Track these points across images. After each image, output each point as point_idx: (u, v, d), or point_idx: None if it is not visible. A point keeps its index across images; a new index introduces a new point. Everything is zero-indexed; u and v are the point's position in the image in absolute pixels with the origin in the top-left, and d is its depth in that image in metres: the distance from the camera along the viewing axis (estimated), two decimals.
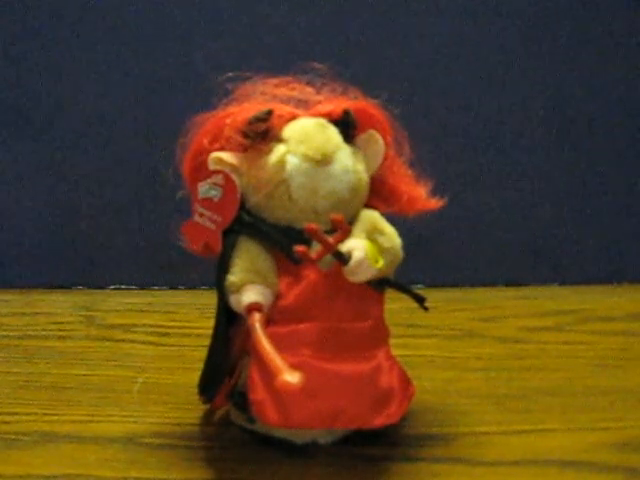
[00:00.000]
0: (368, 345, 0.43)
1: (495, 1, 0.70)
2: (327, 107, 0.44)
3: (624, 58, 0.72)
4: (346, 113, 0.43)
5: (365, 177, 0.44)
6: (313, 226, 0.39)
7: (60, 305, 0.68)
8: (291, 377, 0.36)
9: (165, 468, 0.42)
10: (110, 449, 0.44)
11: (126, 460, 0.43)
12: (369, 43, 0.70)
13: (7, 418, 0.48)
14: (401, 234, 0.43)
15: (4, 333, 0.62)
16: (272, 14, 0.69)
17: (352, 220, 0.43)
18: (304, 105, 0.45)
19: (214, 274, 0.42)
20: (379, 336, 0.44)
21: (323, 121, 0.43)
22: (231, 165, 0.43)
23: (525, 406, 0.50)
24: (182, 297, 0.71)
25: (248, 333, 0.40)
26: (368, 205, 0.45)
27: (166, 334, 0.62)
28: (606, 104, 0.72)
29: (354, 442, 0.43)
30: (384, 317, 0.44)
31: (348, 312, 0.42)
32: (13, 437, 0.45)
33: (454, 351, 0.58)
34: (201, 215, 0.43)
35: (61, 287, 0.72)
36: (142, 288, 0.73)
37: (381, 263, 0.41)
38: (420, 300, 0.45)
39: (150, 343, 0.60)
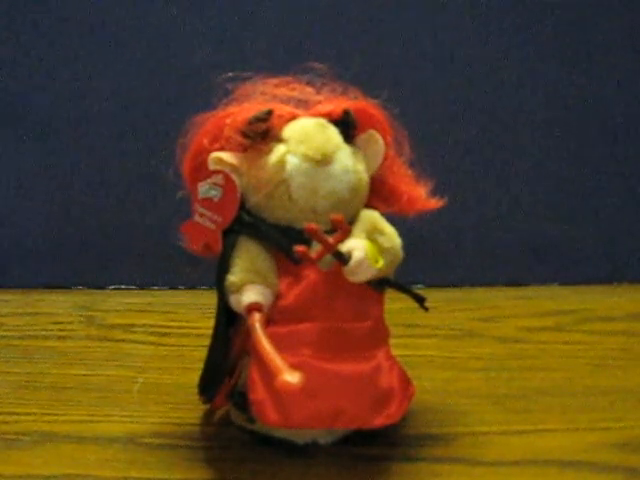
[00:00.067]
0: (368, 345, 0.43)
1: (495, 1, 0.70)
2: (327, 107, 0.44)
3: (624, 58, 0.72)
4: (346, 113, 0.43)
5: (365, 177, 0.44)
6: (313, 226, 0.39)
7: (60, 305, 0.68)
8: (291, 377, 0.36)
9: (165, 468, 0.42)
10: (110, 449, 0.44)
11: (126, 460, 0.43)
12: (369, 43, 0.70)
13: (7, 418, 0.48)
14: (401, 234, 0.43)
15: (4, 333, 0.62)
16: (272, 14, 0.69)
17: (352, 220, 0.43)
18: (304, 105, 0.45)
19: (214, 274, 0.42)
20: (379, 336, 0.44)
21: (323, 121, 0.43)
22: (231, 165, 0.43)
23: (525, 406, 0.50)
24: (182, 297, 0.70)
25: (248, 333, 0.40)
26: (368, 205, 0.45)
27: (166, 334, 0.62)
28: (606, 104, 0.72)
29: (354, 442, 0.43)
30: (384, 317, 0.44)
31: (348, 312, 0.42)
32: (13, 437, 0.45)
33: (454, 351, 0.58)
34: (201, 215, 0.43)
35: (61, 287, 0.72)
36: (142, 288, 0.73)
37: (381, 263, 0.41)
38: (420, 300, 0.46)
39: (150, 343, 0.60)
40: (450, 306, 0.68)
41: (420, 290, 0.45)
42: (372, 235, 0.42)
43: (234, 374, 0.44)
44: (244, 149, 0.43)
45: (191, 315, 0.65)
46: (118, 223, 0.72)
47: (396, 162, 0.46)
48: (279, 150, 0.42)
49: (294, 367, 0.37)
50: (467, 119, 0.72)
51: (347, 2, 0.70)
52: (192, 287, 0.72)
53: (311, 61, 0.44)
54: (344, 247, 0.41)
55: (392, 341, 0.45)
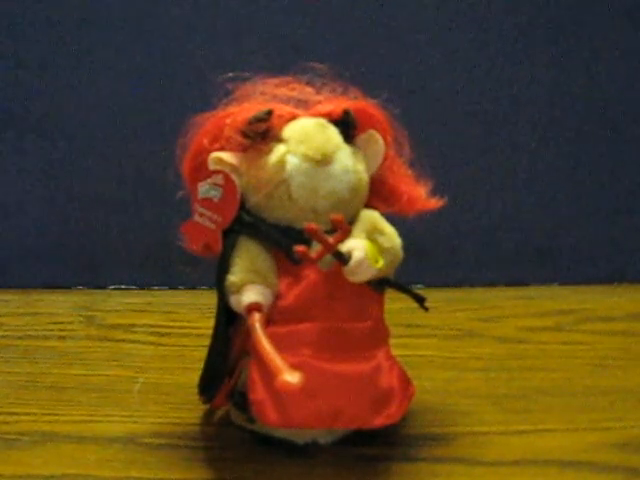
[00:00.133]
0: (368, 345, 0.43)
1: (495, 1, 0.70)
2: (327, 107, 0.44)
3: (625, 58, 0.72)
4: (346, 113, 0.43)
5: (365, 177, 0.44)
6: (313, 226, 0.39)
7: (60, 305, 0.68)
8: (291, 377, 0.36)
9: (165, 468, 0.42)
10: (110, 449, 0.44)
11: (126, 460, 0.43)
12: (369, 43, 0.70)
13: (7, 418, 0.48)
14: (401, 234, 0.43)
15: (4, 333, 0.62)
16: (272, 14, 0.69)
17: (352, 220, 0.43)
18: (304, 105, 0.44)
19: (214, 274, 0.42)
20: (379, 336, 0.44)
21: (323, 121, 0.43)
22: (231, 165, 0.43)
23: (525, 406, 0.49)
24: (182, 297, 0.70)
25: (248, 333, 0.40)
26: (368, 205, 0.45)
27: (166, 334, 0.62)
28: (606, 105, 0.72)
29: (354, 442, 0.43)
30: (384, 317, 0.44)
31: (348, 312, 0.42)
32: (13, 437, 0.45)
33: (454, 351, 0.58)
34: (201, 215, 0.43)
35: (61, 287, 0.72)
36: (142, 288, 0.73)
37: (381, 263, 0.41)
38: (420, 300, 0.46)
39: (150, 343, 0.60)
40: (450, 306, 0.68)
41: (420, 290, 0.45)
42: (372, 235, 0.42)
43: (234, 374, 0.44)
44: (244, 149, 0.43)
45: (191, 315, 0.65)
46: (118, 223, 0.72)
47: (396, 162, 0.46)
48: (279, 150, 0.42)
49: (294, 367, 0.37)
50: (467, 119, 0.72)
51: (347, 2, 0.70)
52: (192, 287, 0.72)
53: (311, 61, 0.44)
54: (344, 247, 0.41)
55: (392, 341, 0.45)
